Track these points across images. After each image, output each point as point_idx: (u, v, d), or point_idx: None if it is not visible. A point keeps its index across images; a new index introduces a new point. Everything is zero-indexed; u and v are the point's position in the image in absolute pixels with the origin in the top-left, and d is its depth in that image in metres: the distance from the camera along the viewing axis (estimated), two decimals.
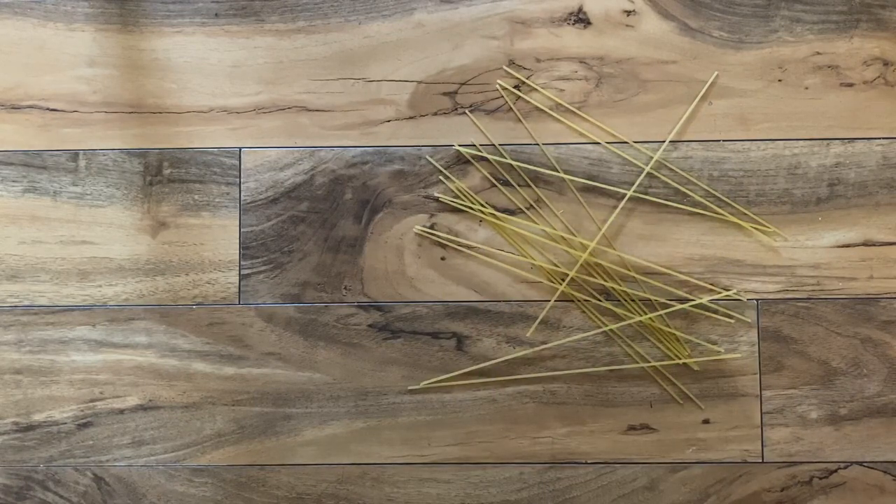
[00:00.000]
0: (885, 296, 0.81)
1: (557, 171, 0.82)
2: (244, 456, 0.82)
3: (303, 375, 0.82)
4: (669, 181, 0.81)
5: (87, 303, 0.83)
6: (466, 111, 0.83)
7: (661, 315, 0.80)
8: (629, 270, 0.81)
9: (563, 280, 0.80)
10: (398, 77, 0.83)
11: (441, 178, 0.83)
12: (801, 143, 0.82)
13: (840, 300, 0.81)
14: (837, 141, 0.81)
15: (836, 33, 0.82)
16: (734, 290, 0.81)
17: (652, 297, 0.80)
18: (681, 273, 0.81)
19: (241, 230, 0.83)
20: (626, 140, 0.82)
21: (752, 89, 0.82)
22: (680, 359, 0.80)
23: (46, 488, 0.82)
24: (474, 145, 0.82)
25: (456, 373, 0.81)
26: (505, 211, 0.82)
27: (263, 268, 0.83)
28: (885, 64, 0.82)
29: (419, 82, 0.83)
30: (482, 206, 0.82)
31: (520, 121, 0.82)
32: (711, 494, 0.80)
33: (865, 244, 0.81)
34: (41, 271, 0.83)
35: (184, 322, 0.82)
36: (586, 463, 0.81)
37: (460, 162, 0.83)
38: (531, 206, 0.82)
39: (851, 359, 0.81)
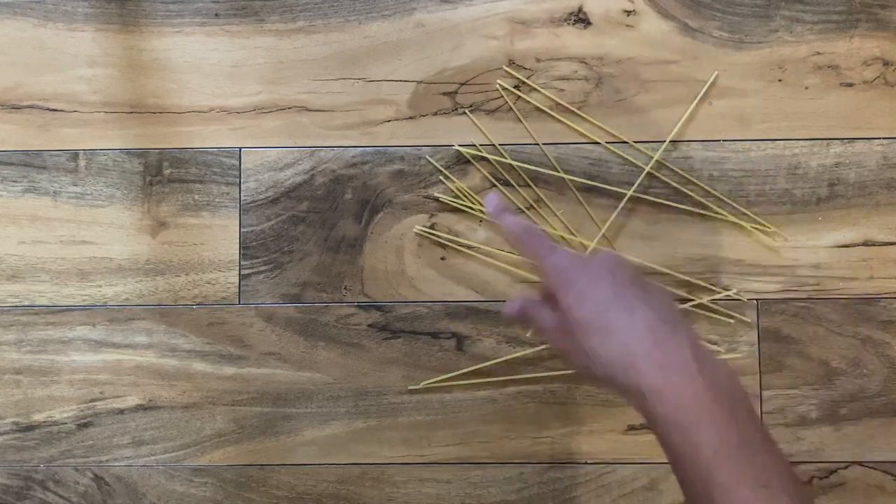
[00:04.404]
0: (885, 296, 0.81)
1: (557, 171, 0.82)
2: (244, 456, 0.82)
3: (303, 375, 0.82)
4: (669, 181, 0.81)
5: (87, 303, 0.83)
6: (466, 111, 0.83)
7: None
8: None
9: None
10: (398, 77, 0.83)
11: (441, 178, 0.83)
12: (801, 143, 0.82)
13: (840, 300, 0.81)
14: (837, 141, 0.81)
15: (836, 33, 0.82)
16: (734, 290, 0.81)
17: None
18: (681, 273, 0.81)
19: (241, 230, 0.83)
20: (626, 140, 0.82)
21: (752, 89, 0.82)
22: None
23: (46, 488, 0.82)
24: (474, 145, 0.82)
25: (456, 373, 0.81)
26: None
27: (263, 268, 0.83)
28: (885, 64, 0.82)
29: (419, 82, 0.83)
30: (482, 206, 0.82)
31: (520, 121, 0.82)
32: None
33: (865, 244, 0.81)
34: (41, 271, 0.83)
35: (184, 322, 0.82)
36: (586, 463, 0.81)
37: (460, 162, 0.83)
38: (531, 206, 0.82)
39: (851, 359, 0.81)
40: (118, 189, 0.84)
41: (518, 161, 0.82)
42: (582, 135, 0.82)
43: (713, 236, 0.81)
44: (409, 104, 0.83)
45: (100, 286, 0.83)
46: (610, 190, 0.81)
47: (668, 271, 0.81)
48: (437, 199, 0.82)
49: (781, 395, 0.80)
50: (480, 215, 0.82)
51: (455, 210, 0.82)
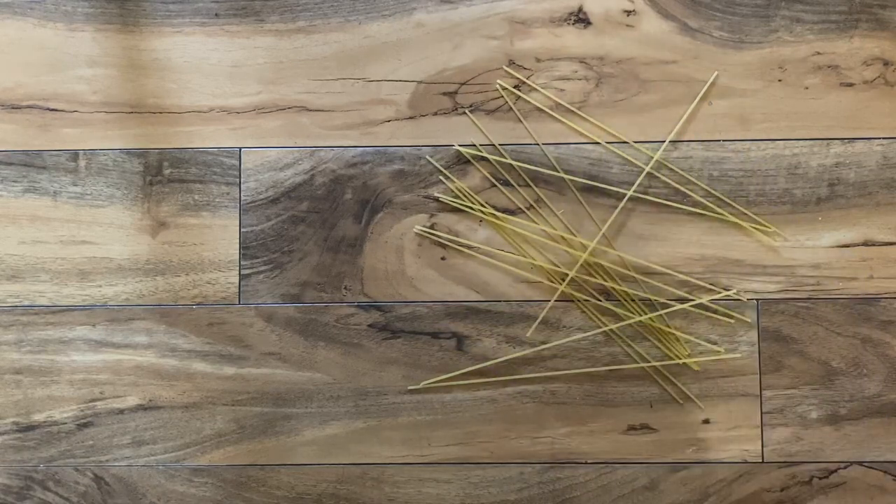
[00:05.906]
0: (885, 296, 0.81)
1: (557, 171, 0.82)
2: (244, 456, 0.82)
3: (303, 375, 0.82)
4: (669, 181, 0.82)
5: (87, 303, 0.83)
6: (466, 111, 0.83)
7: (661, 315, 0.80)
8: (629, 270, 0.81)
9: (563, 280, 0.80)
10: (398, 77, 0.83)
11: (441, 178, 0.83)
12: (801, 143, 0.82)
13: (840, 300, 0.81)
14: (837, 141, 0.81)
15: (836, 33, 0.82)
16: (734, 290, 0.81)
17: (652, 297, 0.80)
18: (681, 273, 0.81)
19: (241, 230, 0.83)
20: (626, 140, 0.82)
21: (752, 89, 0.82)
22: (680, 359, 0.80)
23: (46, 488, 0.82)
24: (474, 145, 0.82)
25: (456, 373, 0.81)
26: (505, 211, 0.82)
27: (263, 268, 0.83)
28: (885, 64, 0.82)
29: (419, 82, 0.83)
30: (482, 206, 0.82)
31: (520, 121, 0.82)
32: (711, 494, 0.80)
33: (865, 244, 0.81)
34: (41, 271, 0.83)
35: (184, 322, 0.82)
36: (586, 463, 0.81)
37: (460, 162, 0.83)
38: (531, 206, 0.82)
39: (851, 359, 0.81)
40: (118, 189, 0.84)
41: (518, 161, 0.82)
42: (582, 135, 0.82)
43: (713, 236, 0.81)
44: (409, 104, 0.83)
45: (100, 286, 0.83)
46: (610, 190, 0.82)
47: (668, 271, 0.81)
48: (437, 199, 0.82)
49: (781, 395, 0.80)
50: (480, 215, 0.82)
51: (455, 210, 0.82)
